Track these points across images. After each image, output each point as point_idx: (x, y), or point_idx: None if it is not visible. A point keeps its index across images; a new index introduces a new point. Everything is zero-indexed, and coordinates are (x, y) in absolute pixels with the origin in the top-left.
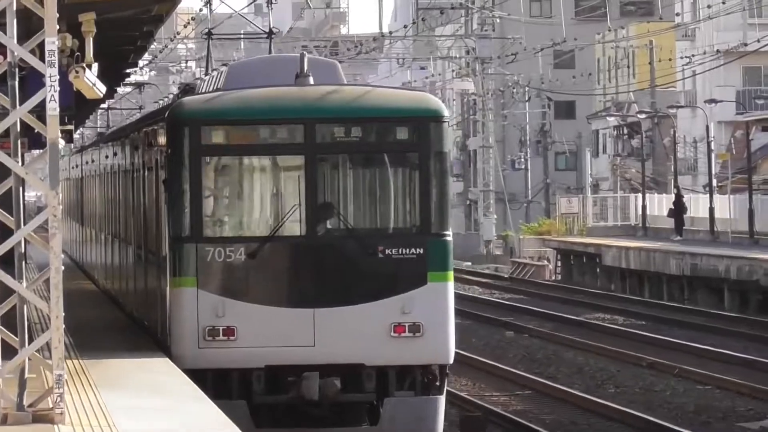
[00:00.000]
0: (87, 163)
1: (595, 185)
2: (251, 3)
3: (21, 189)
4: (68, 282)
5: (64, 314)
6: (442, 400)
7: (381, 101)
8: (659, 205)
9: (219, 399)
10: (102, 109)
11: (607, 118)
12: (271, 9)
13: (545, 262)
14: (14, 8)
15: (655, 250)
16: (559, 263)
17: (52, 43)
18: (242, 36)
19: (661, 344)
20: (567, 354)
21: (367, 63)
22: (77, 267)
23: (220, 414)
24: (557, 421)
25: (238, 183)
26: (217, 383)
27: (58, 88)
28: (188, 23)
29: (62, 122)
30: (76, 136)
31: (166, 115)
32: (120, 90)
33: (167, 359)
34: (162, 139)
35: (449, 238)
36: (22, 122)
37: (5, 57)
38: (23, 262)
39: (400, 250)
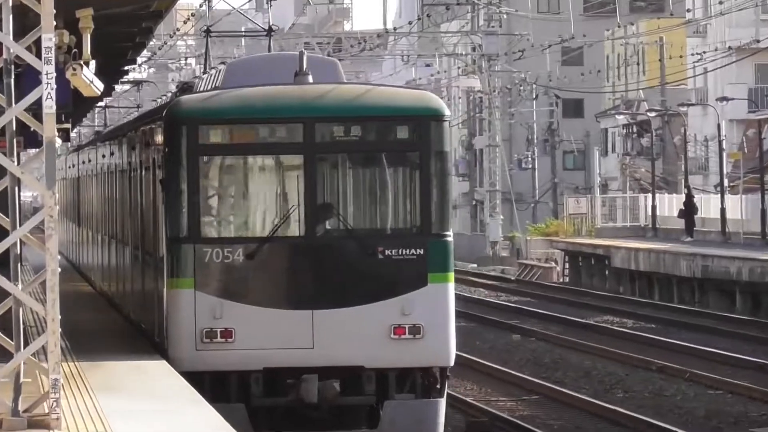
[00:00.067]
0: (84, 162)
1: (604, 185)
2: None
3: (17, 189)
4: (64, 284)
5: (60, 317)
6: (442, 403)
7: (381, 100)
8: (669, 205)
9: (217, 402)
10: (99, 107)
11: (617, 116)
12: (271, 6)
13: (553, 264)
14: (10, 4)
15: (665, 251)
16: (566, 265)
17: (49, 39)
18: (242, 33)
19: (671, 348)
20: (574, 358)
21: (370, 60)
22: (74, 269)
23: (219, 418)
24: (564, 427)
25: (236, 183)
26: (214, 386)
27: (54, 86)
28: (188, 19)
29: (59, 120)
30: (73, 134)
31: (163, 113)
32: (118, 88)
33: (165, 362)
34: (159, 138)
35: (450, 239)
36: (18, 120)
37: (1, 54)
38: (19, 264)
39: (400, 251)
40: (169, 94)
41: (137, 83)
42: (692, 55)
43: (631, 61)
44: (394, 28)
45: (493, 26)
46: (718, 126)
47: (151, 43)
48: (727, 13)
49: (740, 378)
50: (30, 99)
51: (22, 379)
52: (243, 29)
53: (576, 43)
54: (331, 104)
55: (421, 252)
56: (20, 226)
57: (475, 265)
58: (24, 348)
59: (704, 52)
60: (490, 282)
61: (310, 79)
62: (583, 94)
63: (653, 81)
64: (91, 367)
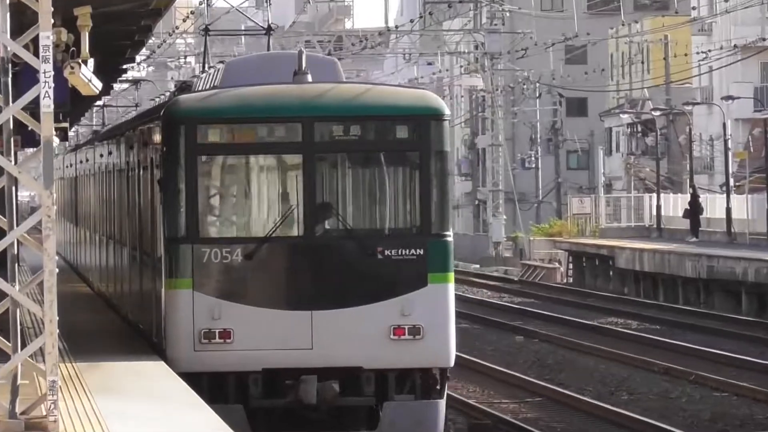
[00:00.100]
0: (82, 162)
1: (608, 185)
2: None
3: (14, 189)
4: (62, 285)
5: (57, 318)
6: (442, 404)
7: (380, 99)
8: (674, 205)
9: (215, 403)
10: (98, 106)
11: (621, 115)
12: (270, 4)
13: (556, 265)
14: (7, 2)
15: (670, 252)
16: (570, 266)
17: (47, 37)
18: (240, 32)
19: (676, 349)
20: (579, 359)
21: (372, 58)
22: (71, 269)
23: (218, 420)
24: (568, 430)
25: (234, 183)
26: (213, 387)
27: (52, 85)
28: (187, 17)
29: (57, 119)
30: (70, 134)
31: (161, 113)
32: (116, 87)
33: (163, 363)
34: (157, 138)
35: (450, 239)
36: (15, 119)
37: None
38: (16, 265)
39: (399, 251)
40: (168, 94)
41: (136, 82)
42: (697, 53)
43: (636, 59)
44: (396, 26)
45: (495, 24)
46: (724, 125)
47: (150, 41)
48: (733, 11)
49: (746, 380)
50: (27, 98)
51: (19, 381)
52: (243, 27)
53: (580, 42)
54: (330, 103)
55: (421, 252)
56: (17, 226)
57: (478, 266)
58: (21, 349)
59: (709, 51)
60: (492, 283)
61: (309, 78)
62: (586, 92)
63: (658, 80)
64: (89, 369)
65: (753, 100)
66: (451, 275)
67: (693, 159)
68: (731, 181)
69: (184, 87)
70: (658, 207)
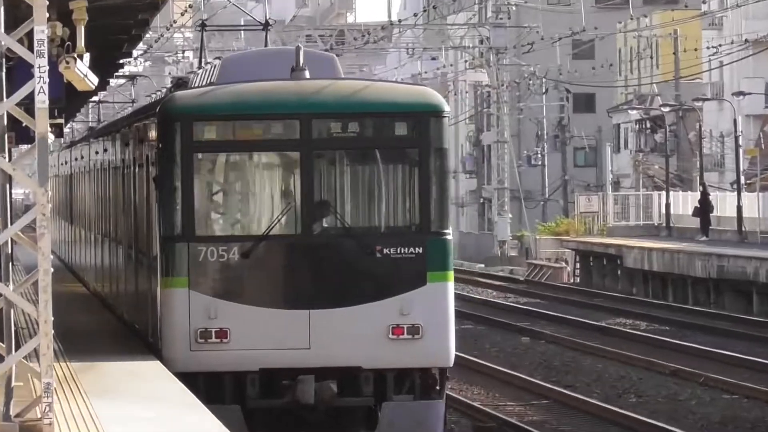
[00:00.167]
0: (77, 159)
1: (616, 182)
2: None
3: (8, 186)
4: (57, 284)
5: (53, 318)
6: (442, 404)
7: (379, 95)
8: (684, 203)
9: (212, 404)
10: (93, 102)
11: (629, 111)
12: None
13: (563, 264)
14: None
15: (679, 251)
16: (577, 265)
17: (42, 31)
18: (237, 27)
19: (686, 351)
20: (586, 361)
21: (374, 53)
22: (67, 269)
23: (214, 420)
24: None
25: (231, 180)
26: (209, 387)
27: (47, 80)
28: (185, 11)
29: (52, 115)
30: (66, 130)
31: (157, 110)
32: (113, 82)
33: (159, 363)
34: (153, 135)
35: (449, 237)
36: (10, 115)
37: None
38: (10, 264)
39: (398, 250)
40: (164, 90)
41: (132, 77)
42: (707, 48)
43: (645, 54)
44: (399, 20)
45: (501, 18)
46: (735, 121)
47: (147, 35)
48: (744, 5)
49: (757, 382)
50: (22, 93)
51: (13, 383)
52: (242, 22)
53: (587, 36)
54: (328, 100)
55: (420, 250)
56: (11, 224)
57: (483, 265)
58: (15, 351)
59: (720, 45)
60: (498, 283)
61: (307, 74)
62: (594, 88)
63: (667, 75)
64: (85, 370)
65: (764, 95)
66: (451, 274)
67: (703, 156)
68: (742, 179)
69: (180, 83)
70: (668, 205)
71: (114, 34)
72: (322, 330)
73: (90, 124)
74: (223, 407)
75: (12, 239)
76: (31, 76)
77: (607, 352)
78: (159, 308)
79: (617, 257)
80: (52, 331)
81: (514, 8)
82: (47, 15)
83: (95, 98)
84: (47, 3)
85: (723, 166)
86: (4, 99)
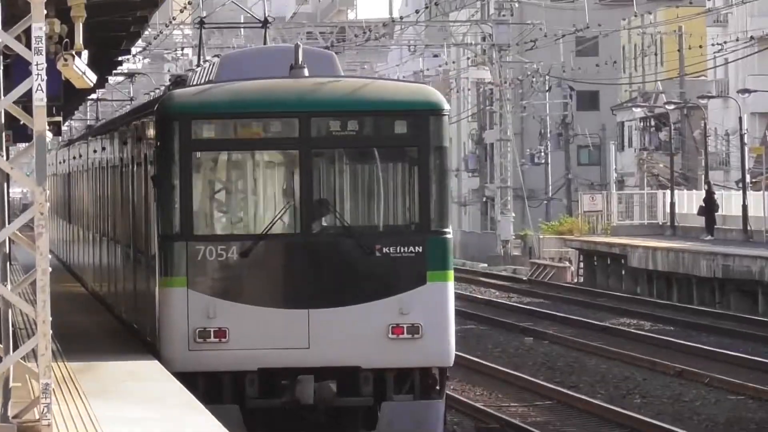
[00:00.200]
0: (75, 157)
1: (620, 181)
2: None
3: (5, 185)
4: (55, 284)
5: (51, 319)
6: (442, 404)
7: (379, 94)
8: (689, 202)
9: (210, 403)
10: (92, 100)
11: (633, 109)
12: None
13: (567, 264)
14: None
15: (684, 250)
16: (581, 264)
17: (39, 28)
18: (237, 24)
19: (691, 351)
20: (590, 361)
21: (376, 50)
22: (65, 268)
23: (213, 420)
24: None
25: (229, 179)
26: (208, 387)
27: (45, 77)
28: (184, 8)
29: (50, 113)
30: (64, 128)
31: (155, 108)
32: (111, 80)
33: (157, 363)
34: (151, 133)
35: (449, 236)
36: (7, 113)
37: None
38: (8, 264)
39: (398, 249)
40: (163, 87)
41: (131, 75)
42: (712, 45)
43: (649, 51)
44: (401, 17)
45: (504, 15)
46: (740, 119)
47: (146, 32)
48: (749, 1)
49: (763, 383)
50: (19, 91)
51: (11, 384)
52: (242, 19)
53: (591, 33)
54: (327, 98)
55: (420, 249)
56: (9, 223)
57: (486, 265)
58: (13, 351)
59: (725, 42)
60: (501, 282)
61: (306, 72)
62: (598, 86)
63: (672, 72)
64: (84, 371)
65: None
66: (451, 273)
67: (708, 154)
68: (747, 178)
69: (178, 81)
70: (672, 204)
71: (112, 31)
72: (322, 329)
73: (88, 122)
74: (222, 407)
75: (10, 239)
76: (28, 73)
77: (611, 353)
78: (157, 308)
79: (621, 257)
80: (51, 332)
81: (516, 5)
82: (45, 12)
83: (93, 96)
84: (45, 0)
85: (728, 165)
86: (2, 97)
